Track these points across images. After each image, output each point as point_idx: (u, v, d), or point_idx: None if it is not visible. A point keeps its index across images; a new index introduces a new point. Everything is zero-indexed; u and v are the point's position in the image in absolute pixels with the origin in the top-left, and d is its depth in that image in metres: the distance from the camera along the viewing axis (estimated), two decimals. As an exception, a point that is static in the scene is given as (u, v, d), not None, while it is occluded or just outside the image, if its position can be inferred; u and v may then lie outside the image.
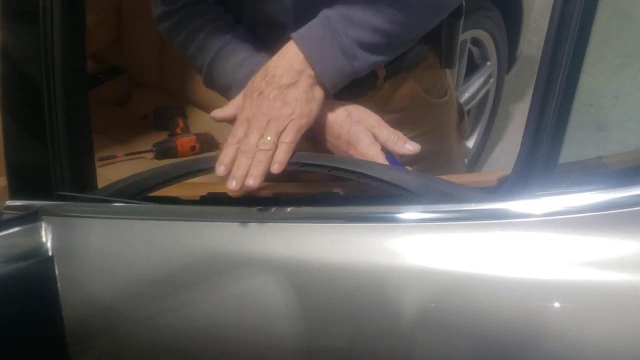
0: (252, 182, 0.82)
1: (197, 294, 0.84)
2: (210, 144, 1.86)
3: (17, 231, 0.88)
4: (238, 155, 0.84)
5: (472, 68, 2.10)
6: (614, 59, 2.61)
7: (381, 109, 0.91)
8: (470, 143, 2.26)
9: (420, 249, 0.74)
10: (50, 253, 0.88)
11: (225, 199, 0.90)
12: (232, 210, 0.87)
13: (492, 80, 2.17)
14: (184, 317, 0.85)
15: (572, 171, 0.76)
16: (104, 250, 0.89)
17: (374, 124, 0.88)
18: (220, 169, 0.84)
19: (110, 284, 0.88)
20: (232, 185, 0.83)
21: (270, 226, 0.82)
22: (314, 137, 0.91)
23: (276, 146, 0.83)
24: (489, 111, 2.28)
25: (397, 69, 1.00)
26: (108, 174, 1.62)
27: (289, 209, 0.84)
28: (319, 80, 0.85)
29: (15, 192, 0.93)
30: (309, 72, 0.84)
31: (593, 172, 0.77)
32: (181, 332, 0.85)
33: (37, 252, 0.88)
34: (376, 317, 0.76)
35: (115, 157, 1.78)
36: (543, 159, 0.71)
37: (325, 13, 0.85)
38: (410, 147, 0.87)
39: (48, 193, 0.92)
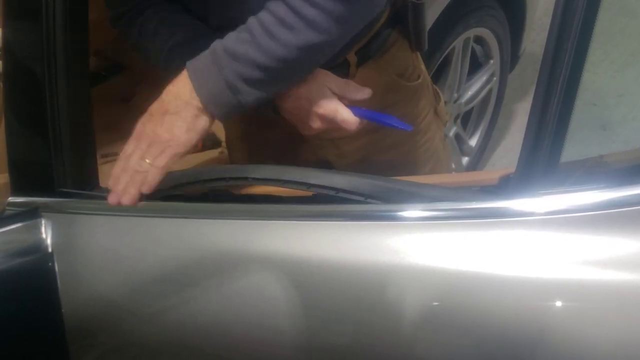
0: (127, 199, 0.87)
1: (200, 291, 0.84)
2: (212, 142, 1.85)
3: (16, 228, 0.89)
4: (121, 171, 0.90)
5: (475, 66, 2.10)
6: (618, 57, 2.60)
7: None
8: (473, 141, 2.26)
9: (422, 247, 0.74)
10: (50, 249, 0.89)
11: (227, 196, 0.90)
12: (235, 208, 0.87)
13: (495, 78, 2.17)
14: (186, 314, 0.85)
15: (574, 170, 0.76)
16: (106, 247, 0.89)
17: (325, 77, 0.94)
18: (110, 181, 0.91)
19: (112, 280, 0.89)
20: (111, 199, 0.88)
21: (272, 224, 0.82)
22: (275, 102, 0.95)
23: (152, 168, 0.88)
24: (492, 110, 2.27)
25: (368, 55, 1.04)
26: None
27: (290, 207, 0.85)
28: (206, 111, 0.89)
29: (18, 188, 0.93)
30: (196, 103, 0.88)
31: (595, 171, 0.77)
32: (183, 328, 0.86)
33: (37, 248, 0.88)
34: (377, 315, 0.76)
35: (118, 154, 1.77)
36: (545, 157, 0.71)
37: (214, 45, 0.88)
38: (361, 91, 0.94)
39: (50, 190, 0.92)
